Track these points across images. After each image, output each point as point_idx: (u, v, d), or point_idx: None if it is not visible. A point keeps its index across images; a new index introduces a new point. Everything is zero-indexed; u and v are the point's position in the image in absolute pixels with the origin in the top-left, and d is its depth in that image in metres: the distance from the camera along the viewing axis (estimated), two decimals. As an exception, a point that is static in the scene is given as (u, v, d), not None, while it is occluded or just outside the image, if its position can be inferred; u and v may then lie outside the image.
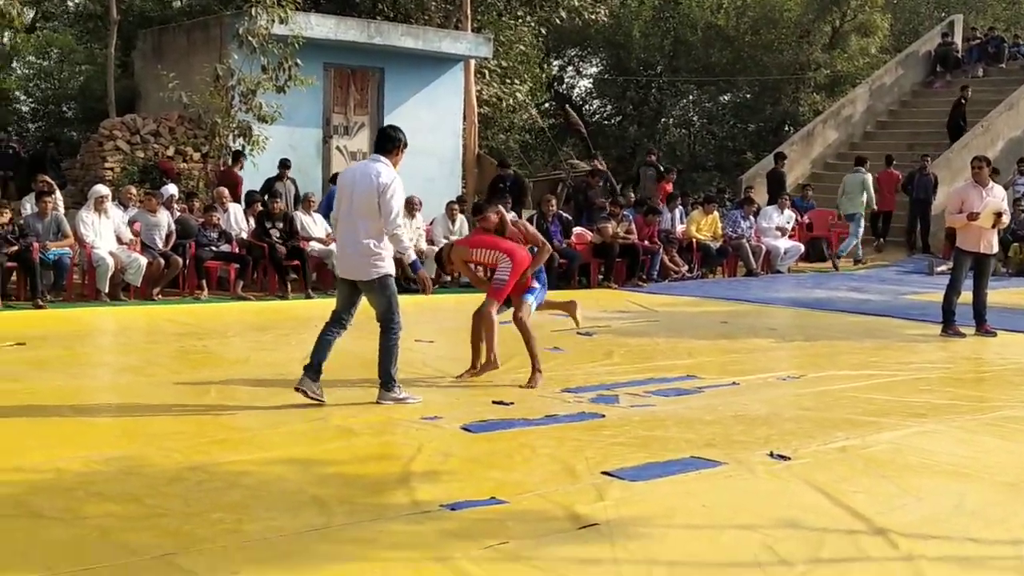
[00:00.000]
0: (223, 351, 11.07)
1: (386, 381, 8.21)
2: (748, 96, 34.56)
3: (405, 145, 8.19)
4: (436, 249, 16.68)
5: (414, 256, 8.16)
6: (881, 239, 22.70)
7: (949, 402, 8.78)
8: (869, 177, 21.68)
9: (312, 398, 8.03)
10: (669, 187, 21.43)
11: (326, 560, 4.89)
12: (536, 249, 9.21)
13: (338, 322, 8.27)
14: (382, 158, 8.05)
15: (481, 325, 9.13)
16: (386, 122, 19.99)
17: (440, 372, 9.60)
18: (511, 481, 6.21)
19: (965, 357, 11.37)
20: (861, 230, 21.76)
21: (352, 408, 8.07)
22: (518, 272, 9.03)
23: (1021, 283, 18.37)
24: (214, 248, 15.42)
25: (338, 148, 19.86)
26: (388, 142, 8.11)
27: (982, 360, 11.39)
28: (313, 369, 8.08)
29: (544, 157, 31.21)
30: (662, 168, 22.98)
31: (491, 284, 9.14)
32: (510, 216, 9.34)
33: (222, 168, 18.11)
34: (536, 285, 9.24)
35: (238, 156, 17.87)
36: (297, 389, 8.02)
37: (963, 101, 24.93)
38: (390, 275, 8.07)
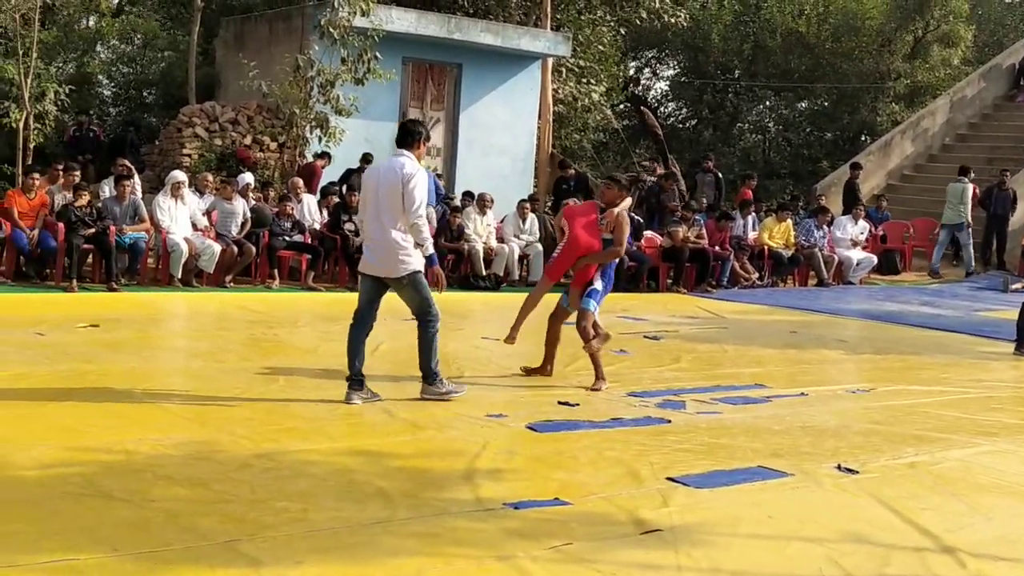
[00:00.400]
0: (293, 340, 11.16)
1: (428, 375, 8.19)
2: (826, 104, 34.20)
3: (427, 138, 8.21)
4: (506, 248, 16.80)
5: (432, 250, 8.08)
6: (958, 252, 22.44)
7: (1021, 422, 8.64)
8: (969, 188, 21.34)
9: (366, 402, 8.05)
10: (749, 193, 21.18)
11: (389, 553, 4.91)
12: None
13: (362, 323, 8.19)
14: (405, 152, 8.04)
15: (552, 326, 9.20)
16: (462, 118, 20.09)
17: (505, 370, 9.61)
18: (575, 482, 6.21)
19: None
20: (971, 241, 21.45)
21: (418, 402, 8.11)
22: (569, 256, 9.10)
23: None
24: (287, 238, 15.55)
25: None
26: (408, 136, 8.10)
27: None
28: (355, 380, 8.05)
29: (617, 159, 31.09)
30: (720, 175, 22.71)
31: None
32: (621, 206, 9.17)
33: (302, 163, 18.26)
34: (598, 287, 9.20)
35: (324, 155, 18.04)
36: (347, 403, 7.98)
37: None
38: (419, 271, 8.04)
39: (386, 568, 4.76)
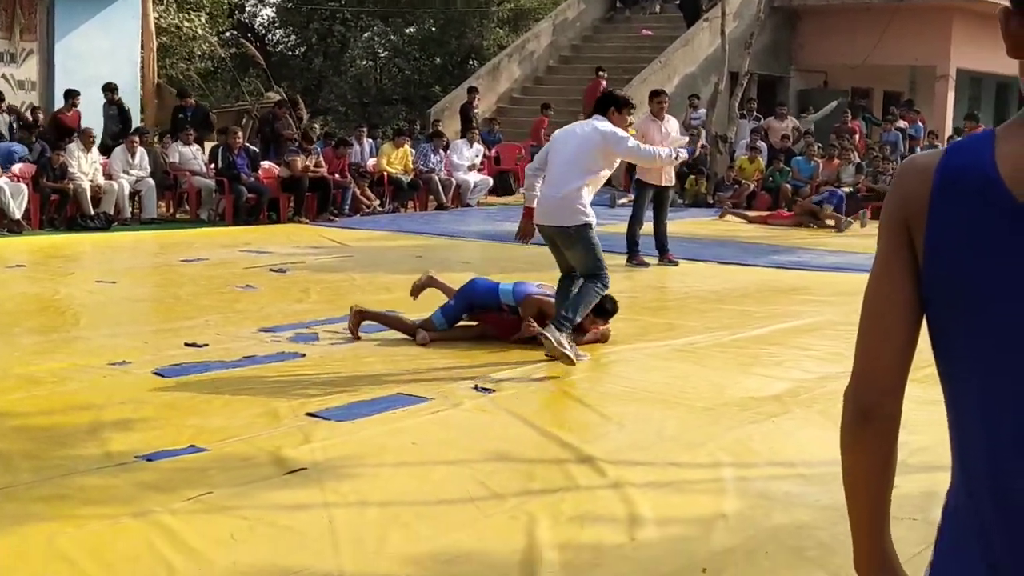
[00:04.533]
0: None
1: (562, 319, 7.49)
2: (434, 29, 34.51)
3: (625, 104, 7.97)
4: (115, 184, 15.95)
5: (683, 151, 8.08)
6: None
7: (640, 330, 8.99)
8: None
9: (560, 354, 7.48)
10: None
11: (15, 522, 4.51)
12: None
13: (566, 276, 7.88)
14: (602, 117, 7.83)
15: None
16: (58, 49, 18.88)
17: (124, 314, 9.14)
18: (210, 427, 5.93)
19: (650, 286, 11.74)
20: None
21: (32, 355, 7.55)
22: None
23: (697, 214, 19.20)
24: None
25: (4, 76, 18.51)
26: (601, 103, 7.97)
27: (666, 288, 11.80)
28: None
29: (226, 88, 30.23)
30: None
31: None
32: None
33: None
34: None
35: (70, 95, 17.15)
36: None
37: None
38: (591, 225, 7.66)
39: (12, 538, 4.36)
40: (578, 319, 7.64)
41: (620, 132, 7.80)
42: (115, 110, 17.84)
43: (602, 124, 7.78)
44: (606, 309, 8.23)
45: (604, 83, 23.28)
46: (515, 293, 8.37)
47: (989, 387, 1.64)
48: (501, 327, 8.31)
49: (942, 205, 1.66)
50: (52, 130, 16.91)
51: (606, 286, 7.76)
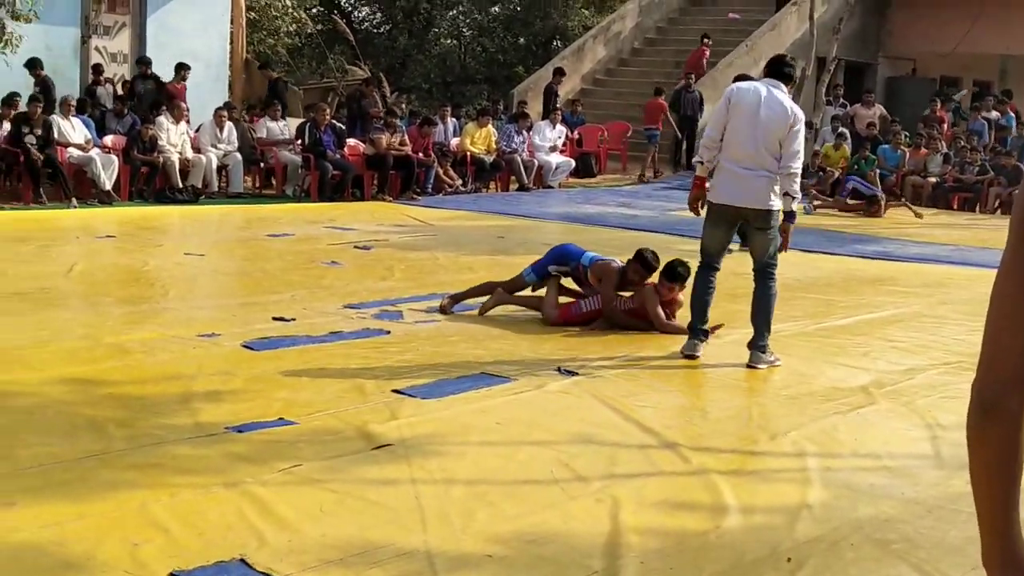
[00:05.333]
0: (-23, 263, 10.40)
1: (760, 341, 7.34)
2: (518, 9, 34.48)
3: (797, 81, 7.53)
4: (203, 158, 16.17)
5: (796, 207, 7.41)
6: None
7: (723, 316, 8.85)
8: None
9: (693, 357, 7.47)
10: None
11: (109, 488, 4.62)
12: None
13: (710, 268, 7.72)
14: (784, 88, 7.31)
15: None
16: (150, 23, 19.14)
17: (212, 286, 9.27)
18: (299, 401, 6.02)
19: (732, 272, 11.50)
20: None
21: (123, 325, 7.69)
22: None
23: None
24: (-38, 153, 14.44)
25: (98, 49, 18.83)
26: (786, 70, 7.41)
27: (749, 275, 11.50)
28: (698, 333, 7.57)
29: (313, 64, 30.45)
30: None
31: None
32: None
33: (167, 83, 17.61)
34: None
35: (180, 68, 17.60)
36: (683, 355, 7.46)
37: None
38: (778, 212, 7.29)
39: (107, 504, 4.47)
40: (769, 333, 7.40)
41: (800, 132, 7.23)
42: (151, 84, 17.85)
43: (788, 99, 7.24)
44: (679, 273, 8.24)
45: (708, 51, 23.19)
46: (593, 259, 8.56)
47: None
48: (581, 318, 8.36)
49: None
50: (163, 98, 17.20)
51: (775, 276, 7.50)
